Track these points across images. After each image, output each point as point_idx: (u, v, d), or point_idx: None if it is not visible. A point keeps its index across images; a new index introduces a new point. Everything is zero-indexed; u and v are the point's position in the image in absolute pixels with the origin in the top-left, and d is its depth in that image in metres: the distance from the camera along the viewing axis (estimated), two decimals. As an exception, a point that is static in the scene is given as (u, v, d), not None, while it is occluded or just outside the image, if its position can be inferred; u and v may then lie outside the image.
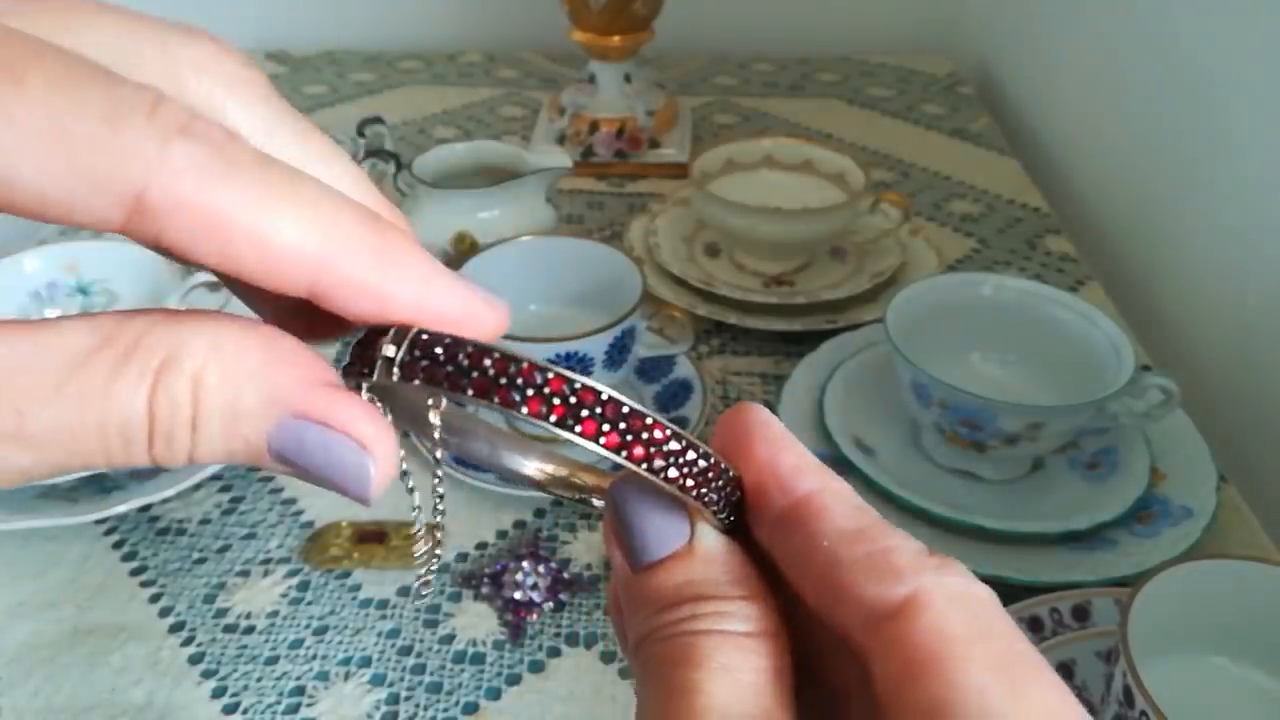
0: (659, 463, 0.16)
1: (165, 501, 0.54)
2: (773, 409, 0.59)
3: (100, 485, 0.54)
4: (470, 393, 0.15)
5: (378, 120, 0.75)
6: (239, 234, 0.14)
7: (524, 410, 0.15)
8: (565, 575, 0.50)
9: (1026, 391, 0.56)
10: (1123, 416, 0.52)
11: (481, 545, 0.53)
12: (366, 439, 0.15)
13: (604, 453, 0.16)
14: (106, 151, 0.13)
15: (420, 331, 0.16)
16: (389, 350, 0.16)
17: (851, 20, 1.20)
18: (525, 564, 0.50)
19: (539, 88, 1.08)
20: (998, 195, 0.87)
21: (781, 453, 0.18)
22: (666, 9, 0.87)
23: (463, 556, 0.52)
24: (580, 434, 0.15)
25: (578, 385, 0.15)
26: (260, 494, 0.56)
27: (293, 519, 0.54)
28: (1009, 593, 0.48)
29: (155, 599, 0.50)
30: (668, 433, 0.16)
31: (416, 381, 0.15)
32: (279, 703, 0.45)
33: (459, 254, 0.66)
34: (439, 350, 0.15)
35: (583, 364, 0.53)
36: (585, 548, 0.53)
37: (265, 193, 0.14)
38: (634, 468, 0.16)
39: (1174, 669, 0.39)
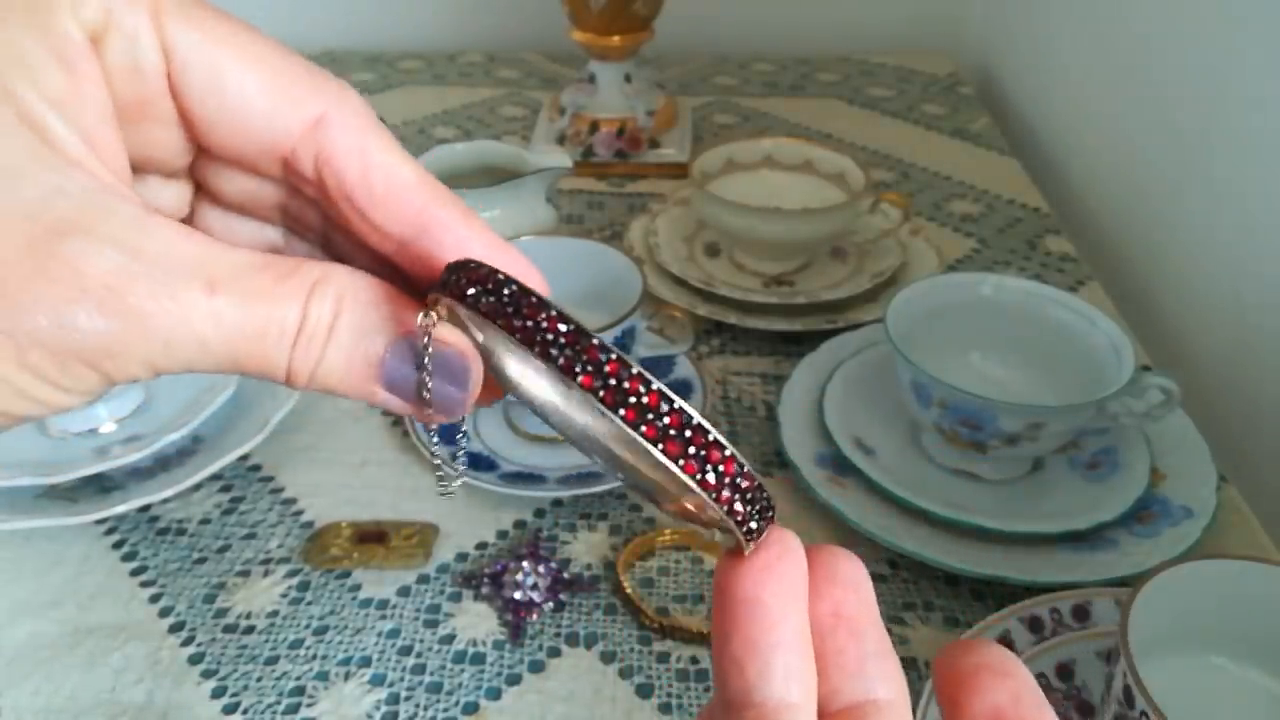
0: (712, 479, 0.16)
1: (165, 501, 0.54)
2: (772, 409, 0.60)
3: (100, 485, 0.54)
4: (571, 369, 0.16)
5: (378, 120, 0.75)
6: (378, 163, 0.20)
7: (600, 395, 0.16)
8: (565, 575, 0.50)
9: (1026, 391, 0.56)
10: (1123, 416, 0.52)
11: (481, 545, 0.53)
12: (466, 349, 0.19)
13: (645, 444, 0.16)
14: (307, 81, 0.20)
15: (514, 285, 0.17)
16: (471, 291, 0.17)
17: (851, 20, 1.20)
18: (525, 564, 0.50)
19: (539, 88, 1.08)
20: (998, 195, 0.87)
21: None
22: (666, 9, 0.87)
23: (463, 556, 0.52)
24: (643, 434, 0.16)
25: (668, 399, 0.16)
26: (260, 494, 0.56)
27: (293, 519, 0.54)
28: (1009, 593, 0.48)
29: (155, 599, 0.50)
30: (733, 464, 0.16)
31: (498, 323, 0.17)
32: (279, 703, 0.45)
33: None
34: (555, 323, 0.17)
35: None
36: (585, 548, 0.53)
37: (395, 145, 0.20)
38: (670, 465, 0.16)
39: (1174, 669, 0.39)
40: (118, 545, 0.53)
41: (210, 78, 0.19)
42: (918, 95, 1.07)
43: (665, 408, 0.16)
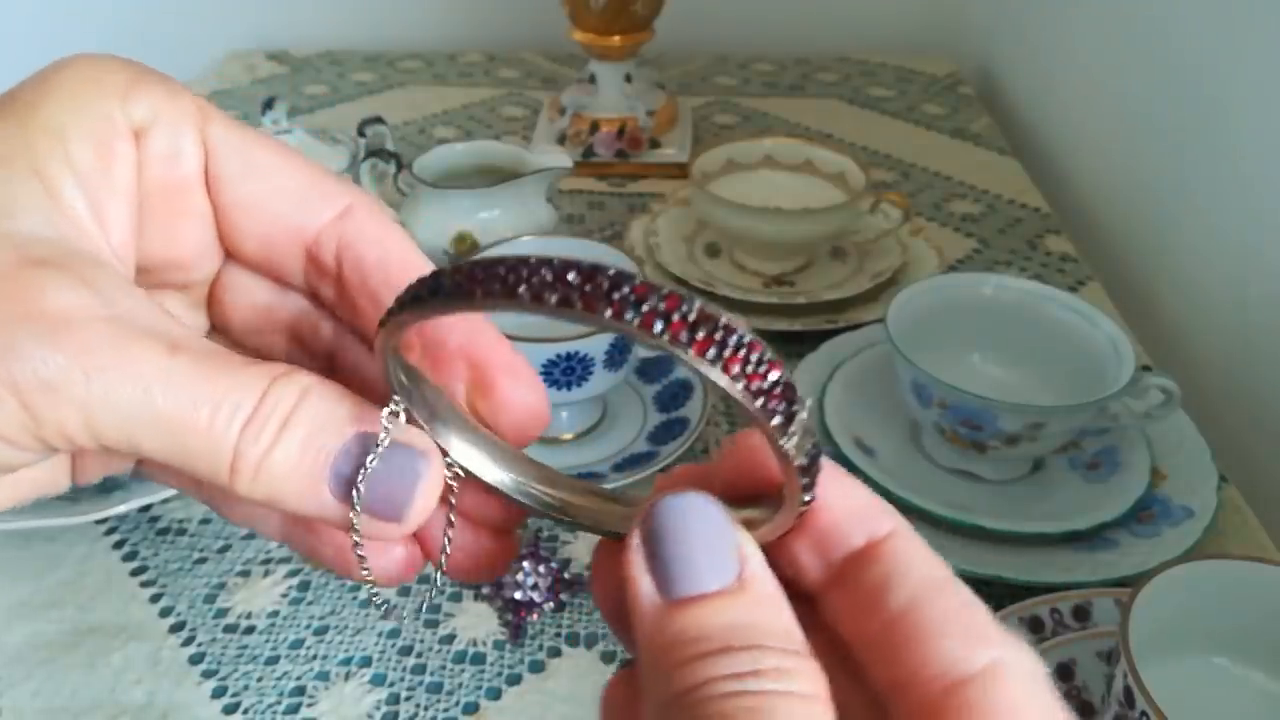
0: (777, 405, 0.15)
1: (166, 501, 0.54)
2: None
3: (100, 485, 0.54)
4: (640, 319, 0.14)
5: (378, 120, 0.75)
6: (394, 246, 0.21)
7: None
8: (566, 575, 0.50)
9: (1026, 391, 0.56)
10: (1123, 417, 0.52)
11: (482, 545, 0.53)
12: (421, 446, 0.19)
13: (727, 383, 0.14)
14: (334, 182, 0.21)
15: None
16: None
17: (851, 20, 1.20)
18: (526, 564, 0.50)
19: (539, 88, 1.08)
20: (998, 195, 0.87)
21: (853, 486, 0.17)
22: (666, 9, 0.87)
23: (463, 556, 0.52)
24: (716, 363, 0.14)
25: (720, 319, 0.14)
26: (260, 494, 0.56)
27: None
28: (1009, 593, 0.48)
29: (156, 599, 0.50)
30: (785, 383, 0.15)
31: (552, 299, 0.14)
32: (279, 703, 0.45)
33: (459, 254, 0.66)
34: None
35: (583, 364, 0.53)
36: (586, 548, 0.53)
37: (414, 245, 0.22)
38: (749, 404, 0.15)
39: (1174, 669, 0.39)
40: (118, 545, 0.53)
41: (245, 165, 0.20)
42: (918, 95, 1.07)
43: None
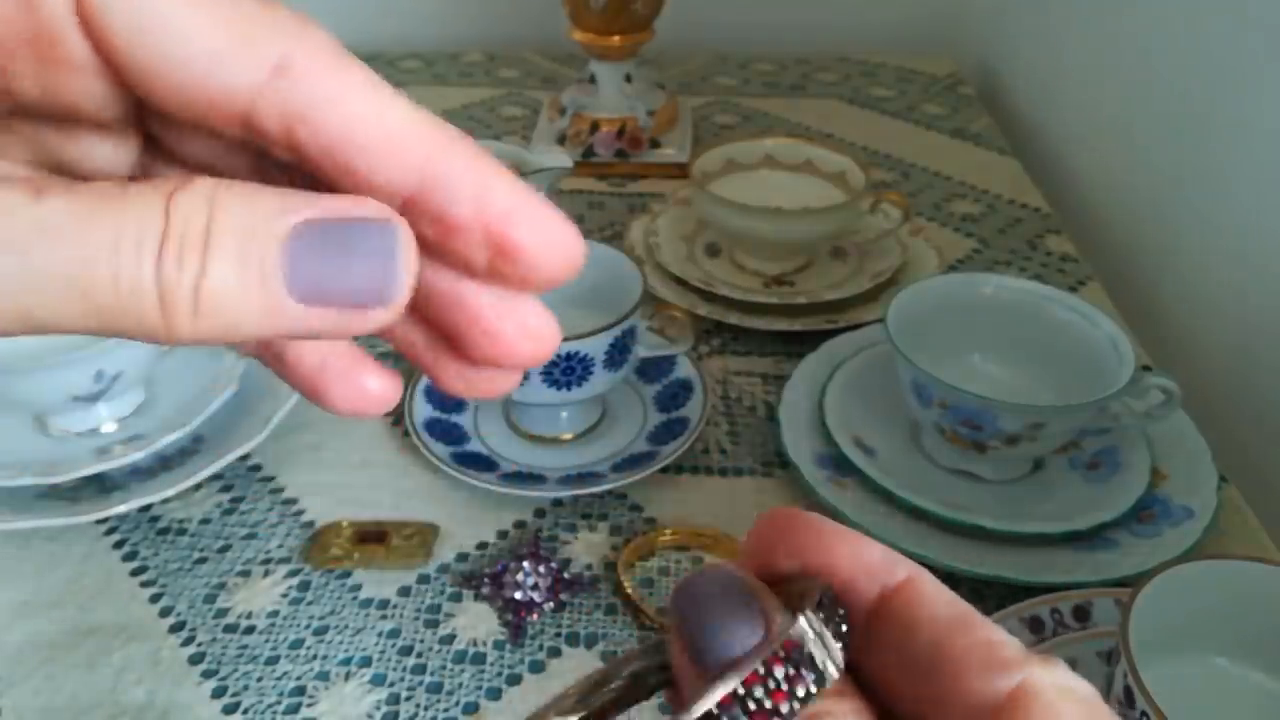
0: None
1: (165, 501, 0.54)
2: (772, 409, 0.59)
3: (101, 485, 0.54)
4: None
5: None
6: (360, 109, 0.15)
7: None
8: (566, 575, 0.50)
9: (1026, 391, 0.56)
10: (1123, 417, 0.52)
11: (482, 545, 0.53)
12: (385, 213, 0.15)
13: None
14: (262, 19, 0.15)
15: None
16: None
17: (851, 20, 1.20)
18: (526, 564, 0.50)
19: (539, 88, 1.08)
20: (998, 195, 0.87)
21: (865, 546, 0.17)
22: (666, 9, 0.87)
23: (463, 556, 0.52)
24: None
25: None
26: (260, 494, 0.56)
27: (293, 519, 0.54)
28: (1009, 593, 0.48)
29: (156, 599, 0.50)
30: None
31: None
32: (279, 703, 0.45)
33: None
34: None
35: (583, 364, 0.53)
36: (585, 548, 0.53)
37: (382, 85, 0.16)
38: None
39: (1174, 669, 0.39)
40: (118, 545, 0.53)
41: (137, 14, 0.15)
42: (918, 95, 1.07)
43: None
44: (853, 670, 0.16)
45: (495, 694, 0.45)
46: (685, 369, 0.62)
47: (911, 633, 0.15)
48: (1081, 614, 0.45)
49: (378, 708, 0.45)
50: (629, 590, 0.49)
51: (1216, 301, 0.69)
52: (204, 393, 0.58)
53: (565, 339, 0.52)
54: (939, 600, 0.16)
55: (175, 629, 0.48)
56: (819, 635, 0.15)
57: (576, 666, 0.46)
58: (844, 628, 0.16)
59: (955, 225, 0.83)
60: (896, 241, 0.74)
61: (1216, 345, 0.69)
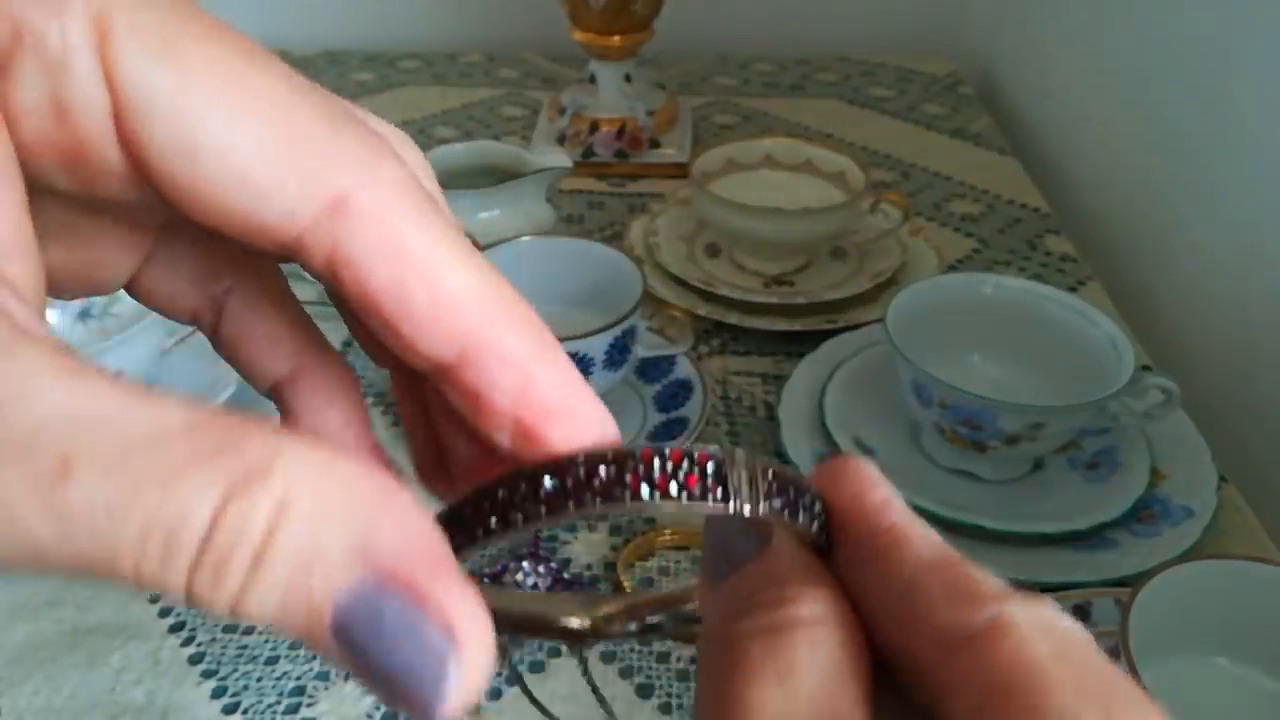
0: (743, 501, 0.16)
1: (165, 501, 0.54)
2: (772, 409, 0.59)
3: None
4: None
5: (378, 120, 0.75)
6: (418, 269, 0.14)
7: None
8: (566, 575, 0.50)
9: (1026, 391, 0.56)
10: (1123, 417, 0.52)
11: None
12: (461, 631, 0.12)
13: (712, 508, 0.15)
14: (326, 145, 0.14)
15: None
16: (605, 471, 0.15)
17: (851, 20, 1.20)
18: (525, 564, 0.50)
19: (539, 88, 1.08)
20: (998, 195, 0.87)
21: (871, 488, 0.17)
22: (666, 9, 0.87)
23: (463, 556, 0.52)
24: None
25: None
26: (260, 494, 0.56)
27: (293, 519, 0.54)
28: (1009, 593, 0.48)
29: (155, 599, 0.50)
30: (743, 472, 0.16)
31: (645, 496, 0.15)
32: (279, 703, 0.45)
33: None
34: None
35: (583, 364, 0.53)
36: (585, 548, 0.53)
37: (450, 238, 0.14)
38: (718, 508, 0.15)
39: (1174, 669, 0.39)
40: (118, 545, 0.53)
41: (179, 131, 0.13)
42: (917, 95, 1.07)
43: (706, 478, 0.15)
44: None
45: (495, 694, 0.45)
46: (685, 369, 0.62)
47: (893, 569, 0.15)
48: (1081, 614, 0.45)
49: (377, 707, 0.45)
50: (629, 590, 0.49)
51: (1216, 301, 0.69)
52: (204, 392, 0.58)
53: (565, 339, 0.52)
54: (925, 540, 0.16)
55: (175, 629, 0.48)
56: (748, 469, 0.15)
57: (576, 666, 0.46)
58: (816, 507, 0.16)
59: (955, 225, 0.83)
60: (896, 241, 0.74)
61: (1216, 345, 0.69)
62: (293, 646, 0.47)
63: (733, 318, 0.67)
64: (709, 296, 0.69)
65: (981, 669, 0.13)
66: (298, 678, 0.46)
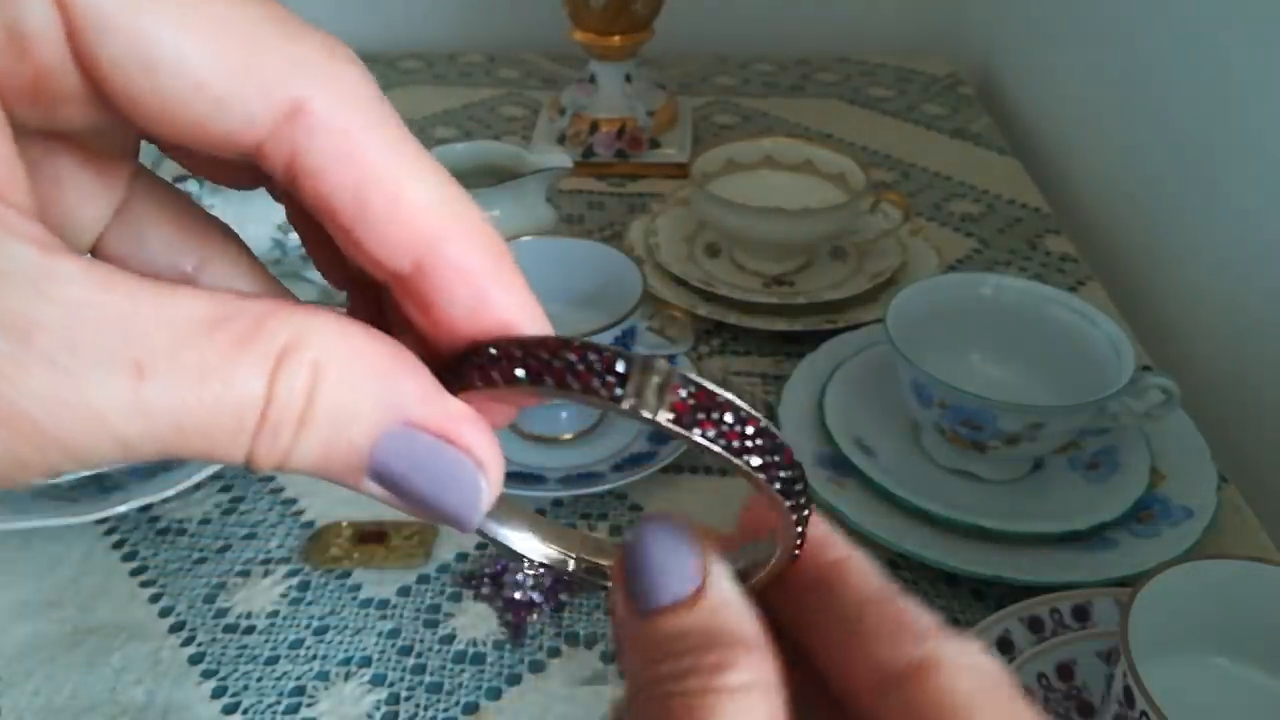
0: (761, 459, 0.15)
1: (165, 501, 0.54)
2: (772, 409, 0.59)
3: (100, 485, 0.54)
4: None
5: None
6: (376, 175, 0.14)
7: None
8: (565, 576, 0.50)
9: (1026, 391, 0.56)
10: (1123, 417, 0.52)
11: (481, 545, 0.53)
12: (483, 456, 0.15)
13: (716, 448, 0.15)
14: (280, 52, 0.14)
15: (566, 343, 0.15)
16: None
17: (851, 20, 1.20)
18: (525, 564, 0.50)
19: (539, 88, 1.08)
20: (998, 195, 0.87)
21: (812, 525, 0.18)
22: (666, 9, 0.87)
23: (463, 556, 0.52)
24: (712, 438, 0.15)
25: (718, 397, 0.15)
26: (260, 494, 0.56)
27: (293, 519, 0.54)
28: (1009, 593, 0.48)
29: (155, 599, 0.50)
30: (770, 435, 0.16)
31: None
32: (279, 703, 0.45)
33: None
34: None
35: (583, 364, 0.53)
36: (585, 548, 0.53)
37: (408, 148, 0.15)
38: (738, 463, 0.15)
39: (1174, 669, 0.39)
40: (118, 545, 0.53)
41: (133, 46, 0.13)
42: (917, 95, 1.07)
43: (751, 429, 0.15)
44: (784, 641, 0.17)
45: (495, 694, 0.45)
46: (685, 369, 0.62)
47: (835, 600, 0.17)
48: (1081, 614, 0.45)
49: (377, 708, 0.45)
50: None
51: (1216, 301, 0.69)
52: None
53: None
54: (867, 574, 0.17)
55: (175, 629, 0.48)
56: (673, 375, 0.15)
57: (576, 666, 0.46)
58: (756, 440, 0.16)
59: (955, 225, 0.83)
60: (896, 241, 0.74)
61: (1216, 345, 0.69)
62: (292, 646, 0.47)
63: (733, 318, 0.67)
64: (709, 296, 0.69)
65: (910, 705, 0.15)
66: (298, 678, 0.46)
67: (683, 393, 0.15)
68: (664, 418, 0.15)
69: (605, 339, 0.53)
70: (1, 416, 0.12)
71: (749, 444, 0.15)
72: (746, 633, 0.16)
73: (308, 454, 0.14)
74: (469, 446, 0.15)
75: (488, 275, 0.15)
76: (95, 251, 0.17)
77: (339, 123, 0.14)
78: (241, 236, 0.18)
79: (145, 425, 0.13)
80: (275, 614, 0.49)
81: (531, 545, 0.20)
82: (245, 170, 0.16)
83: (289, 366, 0.14)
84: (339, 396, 0.14)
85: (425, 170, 0.15)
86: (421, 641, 0.48)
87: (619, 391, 0.14)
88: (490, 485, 0.15)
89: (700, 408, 0.15)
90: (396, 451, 0.15)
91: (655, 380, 0.15)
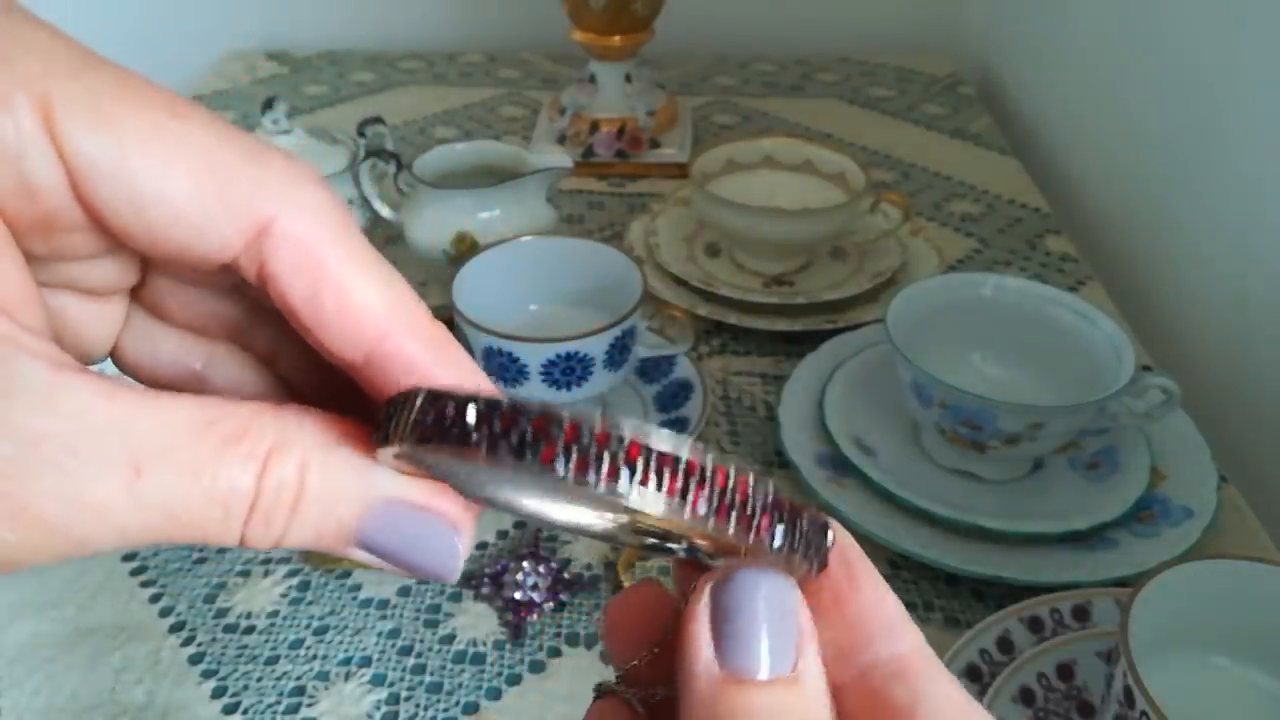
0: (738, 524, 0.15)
1: (165, 501, 0.54)
2: (772, 409, 0.60)
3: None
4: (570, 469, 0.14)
5: (378, 120, 0.75)
6: (328, 281, 0.16)
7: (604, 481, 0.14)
8: (566, 575, 0.50)
9: (1026, 391, 0.56)
10: (1123, 417, 0.52)
11: (482, 545, 0.53)
12: (456, 518, 0.17)
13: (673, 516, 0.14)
14: (246, 179, 0.16)
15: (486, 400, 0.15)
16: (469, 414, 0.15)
17: (851, 20, 1.20)
18: (526, 564, 0.50)
19: (539, 88, 1.08)
20: (998, 195, 0.87)
21: (886, 596, 0.17)
22: (666, 9, 0.87)
23: (463, 556, 0.52)
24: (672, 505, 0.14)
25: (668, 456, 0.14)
26: (260, 494, 0.56)
27: (293, 519, 0.54)
28: (1009, 593, 0.48)
29: (155, 599, 0.50)
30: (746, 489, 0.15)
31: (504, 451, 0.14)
32: (279, 703, 0.45)
33: (459, 254, 0.66)
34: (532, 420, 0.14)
35: (583, 364, 0.53)
36: (585, 548, 0.53)
37: (361, 257, 0.17)
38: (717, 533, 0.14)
39: (1174, 669, 0.39)
40: (118, 545, 0.53)
41: (125, 189, 0.15)
42: (917, 95, 1.07)
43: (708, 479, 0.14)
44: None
45: (495, 694, 0.45)
46: (685, 369, 0.62)
47: (917, 707, 0.16)
48: (1081, 614, 0.45)
49: (377, 708, 0.45)
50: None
51: (1216, 301, 0.69)
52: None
53: (565, 339, 0.52)
54: (950, 683, 0.17)
55: (175, 629, 0.48)
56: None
57: (576, 666, 0.47)
58: (808, 540, 0.16)
59: (955, 225, 0.83)
60: (896, 241, 0.74)
61: (1216, 345, 0.69)
62: (293, 646, 0.47)
63: (733, 318, 0.67)
64: (709, 296, 0.69)
65: None
66: (298, 678, 0.46)
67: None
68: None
69: (605, 339, 0.53)
70: (13, 512, 0.14)
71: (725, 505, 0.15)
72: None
73: (300, 535, 0.16)
74: (442, 512, 0.17)
75: (429, 362, 0.17)
76: (114, 355, 0.20)
77: (298, 236, 0.16)
78: None
79: (143, 517, 0.15)
80: (275, 614, 0.49)
81: (580, 513, 0.19)
82: (226, 280, 0.19)
83: (278, 462, 0.16)
84: (326, 484, 0.16)
85: (374, 276, 0.17)
86: (421, 641, 0.48)
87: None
88: (464, 545, 0.17)
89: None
90: (380, 525, 0.16)
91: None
